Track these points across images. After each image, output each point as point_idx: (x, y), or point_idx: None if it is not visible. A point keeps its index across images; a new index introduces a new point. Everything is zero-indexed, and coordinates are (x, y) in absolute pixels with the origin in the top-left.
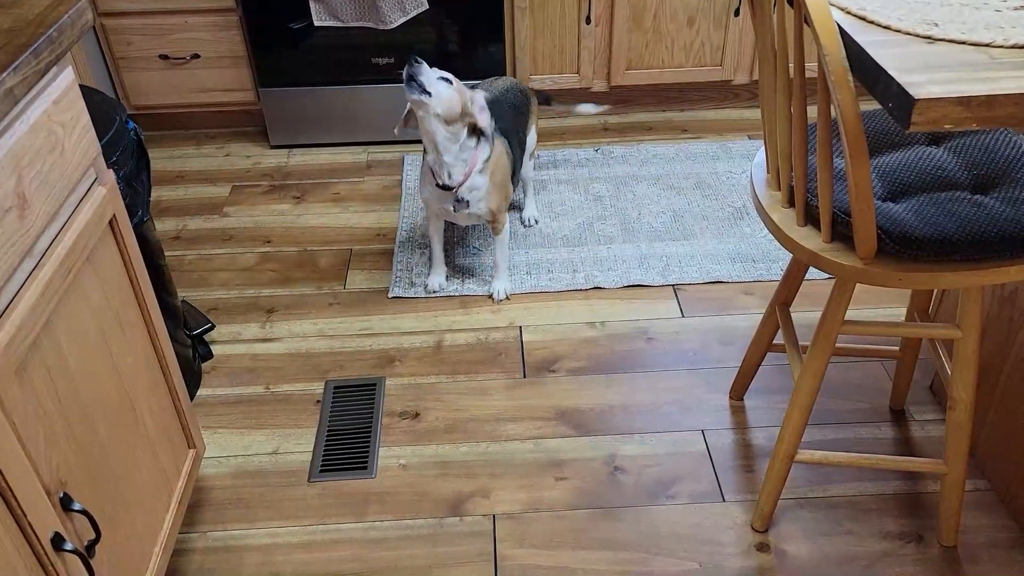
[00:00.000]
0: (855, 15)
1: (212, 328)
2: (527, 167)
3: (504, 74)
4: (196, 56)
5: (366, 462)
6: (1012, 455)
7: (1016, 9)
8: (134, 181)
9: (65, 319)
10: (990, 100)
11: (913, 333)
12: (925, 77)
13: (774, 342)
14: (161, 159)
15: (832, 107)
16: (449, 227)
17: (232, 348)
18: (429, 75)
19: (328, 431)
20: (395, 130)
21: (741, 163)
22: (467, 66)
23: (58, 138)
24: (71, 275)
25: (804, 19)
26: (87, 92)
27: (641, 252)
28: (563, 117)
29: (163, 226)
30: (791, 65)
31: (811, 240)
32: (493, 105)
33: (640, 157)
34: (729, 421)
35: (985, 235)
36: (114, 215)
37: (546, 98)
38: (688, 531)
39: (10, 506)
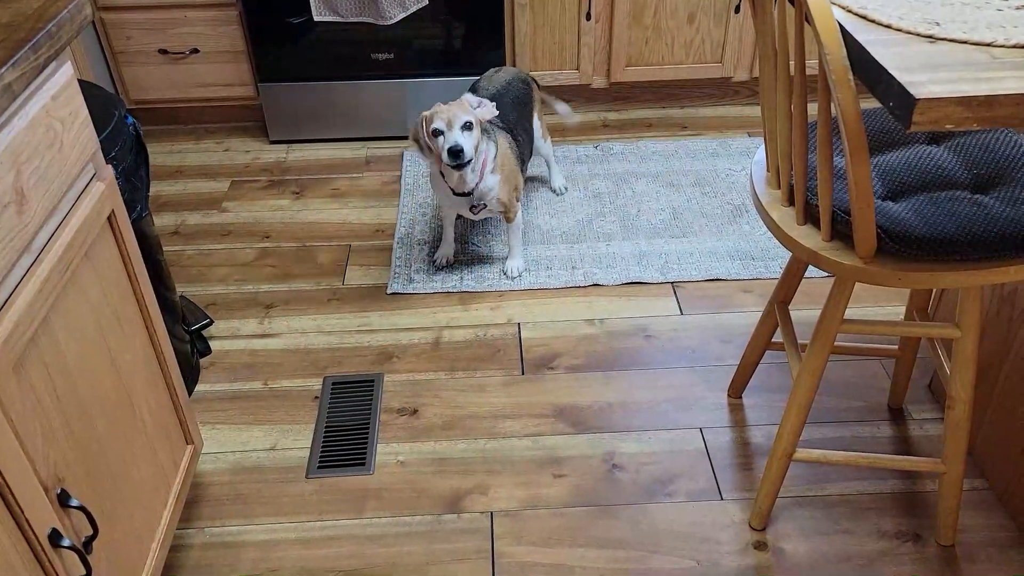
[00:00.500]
0: (856, 14)
1: (210, 324)
2: (545, 145)
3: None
4: (195, 51)
5: (364, 459)
6: (1010, 454)
7: (1018, 8)
8: (133, 176)
9: (63, 315)
10: (991, 100)
11: (912, 332)
12: (926, 77)
13: (773, 340)
14: (160, 154)
15: (832, 106)
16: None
17: (230, 344)
18: (468, 147)
19: (326, 427)
20: (427, 164)
21: (741, 160)
22: (467, 62)
23: (56, 133)
24: (69, 271)
25: (805, 17)
26: (85, 87)
27: (640, 249)
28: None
29: (162, 221)
30: (792, 63)
31: (810, 239)
32: (496, 104)
33: (640, 154)
34: (727, 419)
35: (985, 235)
36: (112, 211)
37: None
38: (686, 529)
39: (7, 503)
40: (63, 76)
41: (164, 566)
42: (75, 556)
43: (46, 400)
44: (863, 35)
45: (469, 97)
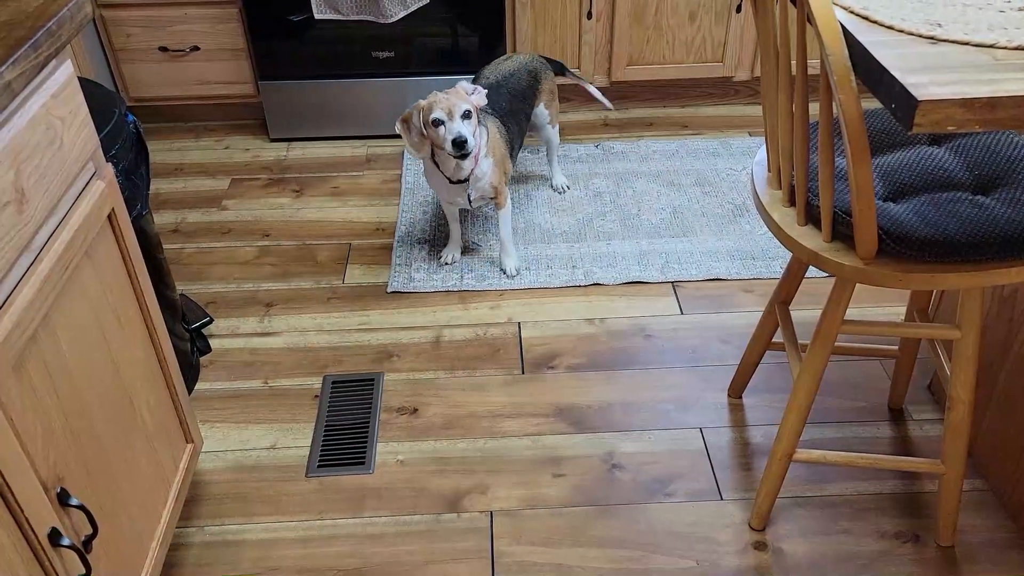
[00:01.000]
0: (858, 15)
1: (210, 322)
2: (552, 131)
3: None
4: (196, 48)
5: (364, 458)
6: (1010, 455)
7: (1020, 10)
8: (133, 174)
9: (63, 314)
10: (993, 102)
11: (912, 333)
12: (928, 78)
13: (773, 340)
14: (160, 151)
15: (834, 106)
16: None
17: (230, 342)
18: (470, 136)
19: (326, 426)
20: (417, 155)
21: (741, 160)
22: (468, 60)
23: (57, 132)
24: (69, 270)
25: (807, 18)
26: (86, 85)
27: (641, 249)
28: (565, 105)
29: (162, 219)
30: (793, 63)
31: (811, 239)
32: (491, 91)
33: (640, 153)
34: (727, 419)
35: (986, 236)
36: (113, 209)
37: (562, 69)
38: (685, 529)
39: (7, 502)
40: (63, 74)
41: (164, 565)
42: (75, 555)
43: (46, 399)
44: (865, 36)
45: (464, 84)
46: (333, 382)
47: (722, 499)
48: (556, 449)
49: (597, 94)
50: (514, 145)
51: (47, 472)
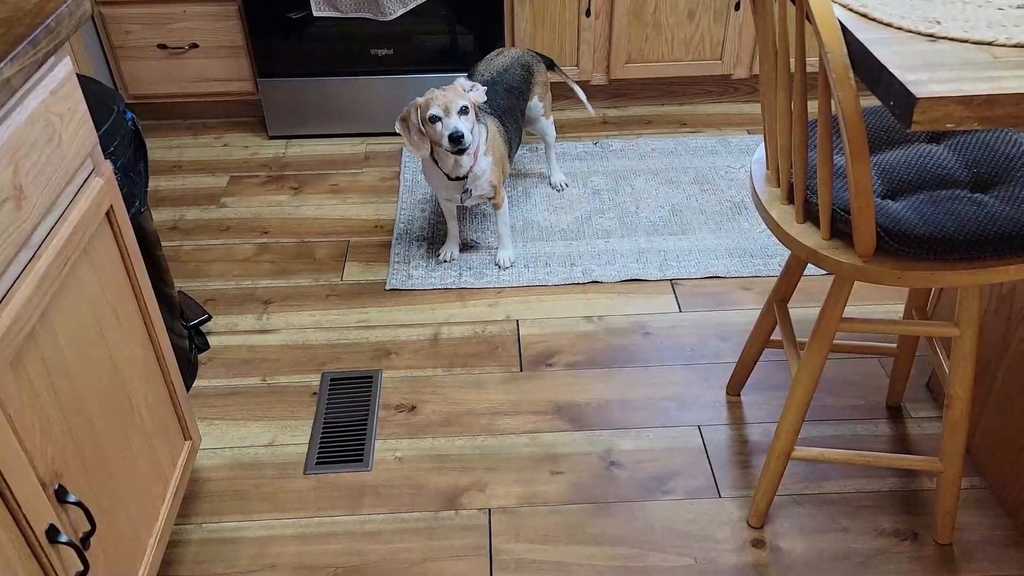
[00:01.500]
0: (857, 12)
1: (209, 319)
2: (547, 124)
3: None
4: (195, 46)
5: (362, 455)
6: (1008, 453)
7: (1019, 7)
8: (131, 171)
9: (61, 311)
10: (992, 99)
11: (911, 331)
12: (927, 76)
13: (772, 338)
14: (159, 149)
15: (833, 104)
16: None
17: (229, 339)
18: (467, 132)
19: (324, 423)
20: (417, 153)
21: (740, 158)
22: (466, 58)
23: (55, 129)
24: (67, 266)
25: (805, 16)
26: (84, 81)
27: (639, 246)
28: (564, 103)
29: (160, 216)
30: (792, 61)
31: (810, 237)
32: (488, 90)
33: (639, 151)
34: (726, 416)
35: (984, 234)
36: (111, 206)
37: (551, 64)
38: (683, 527)
39: (4, 499)
40: (62, 71)
41: (162, 561)
42: (72, 552)
43: (44, 396)
44: (864, 33)
45: (461, 81)
46: (331, 379)
47: (720, 497)
48: (554, 447)
49: (582, 95)
50: (512, 144)
51: (45, 469)
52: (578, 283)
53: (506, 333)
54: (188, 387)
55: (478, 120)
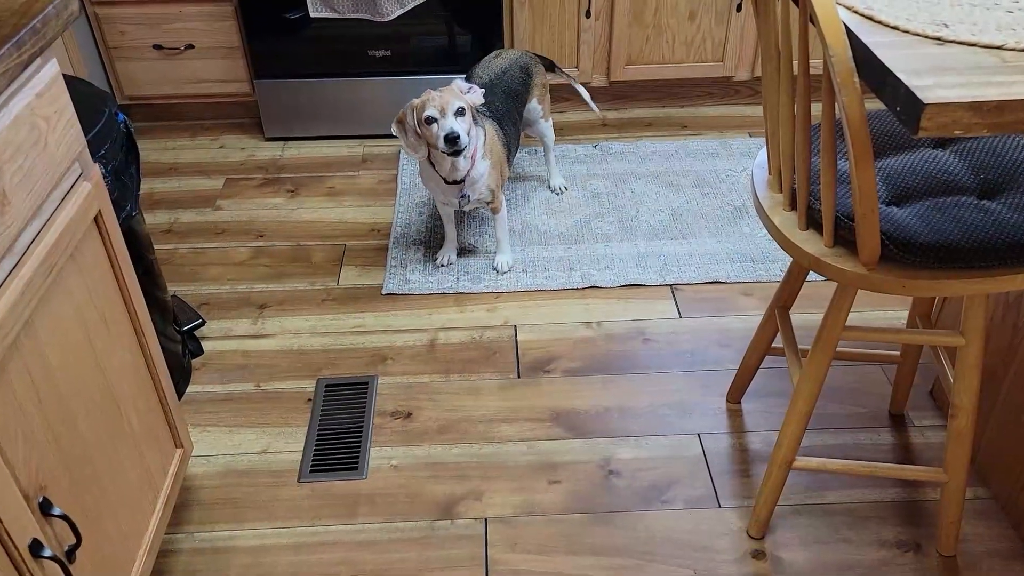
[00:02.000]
0: (862, 14)
1: (203, 324)
2: (546, 126)
3: None
4: (191, 46)
5: (357, 462)
6: (1014, 463)
7: None
8: (123, 175)
9: (47, 318)
10: (1002, 105)
11: (916, 340)
12: (934, 80)
13: (773, 345)
14: (154, 151)
15: (837, 108)
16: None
17: (223, 344)
18: (463, 133)
19: (319, 430)
20: (414, 156)
21: (741, 161)
22: (465, 59)
23: (41, 132)
24: (53, 273)
25: (809, 18)
26: (75, 83)
27: (639, 251)
28: (563, 105)
29: (155, 219)
30: (795, 64)
31: (813, 244)
32: (486, 92)
33: (639, 154)
34: (726, 425)
35: (991, 242)
36: (99, 211)
37: (551, 65)
38: (683, 537)
39: None
40: (48, 73)
41: (152, 572)
42: (57, 567)
43: (28, 406)
44: (869, 36)
45: (459, 83)
46: (326, 385)
47: (720, 506)
48: (552, 455)
49: (586, 96)
50: (511, 147)
51: (28, 481)
52: (577, 288)
53: (504, 339)
54: (181, 393)
55: (476, 123)
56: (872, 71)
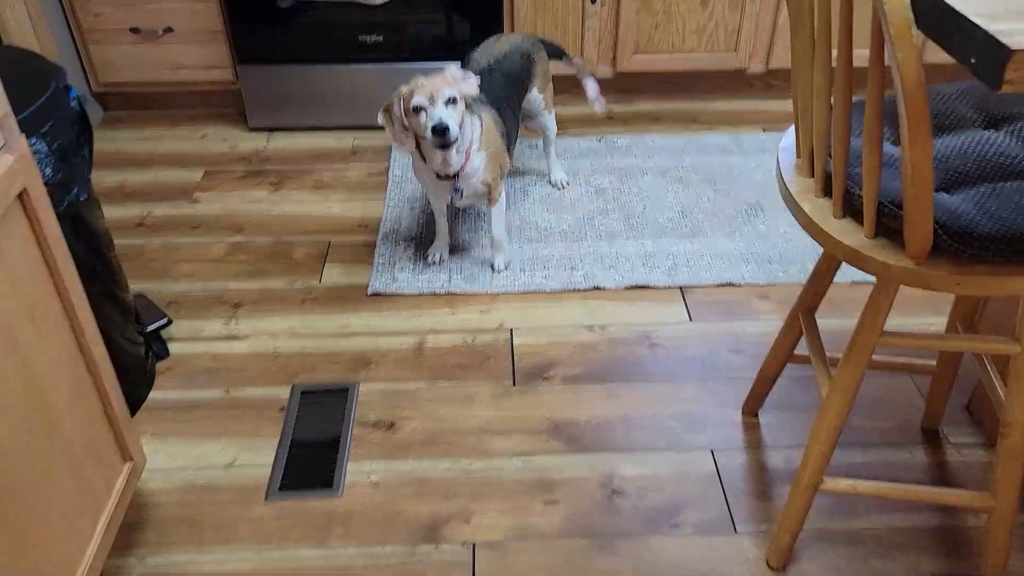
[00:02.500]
0: None
1: (168, 323)
2: (548, 118)
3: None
4: (170, 30)
5: (332, 478)
6: None
7: None
8: (73, 155)
9: None
10: None
11: (964, 347)
12: (1018, 24)
13: (795, 352)
14: (129, 140)
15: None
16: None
17: (191, 347)
18: (453, 124)
19: (292, 441)
20: (402, 149)
21: (755, 157)
22: (462, 46)
23: None
24: None
25: None
26: (18, 53)
27: (646, 250)
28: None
29: (126, 212)
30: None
31: (851, 235)
32: (484, 77)
33: (646, 148)
34: (742, 440)
35: None
36: (25, 188)
37: (559, 52)
38: (694, 566)
39: None
40: None
41: None
42: None
43: None
44: None
45: (453, 69)
46: (302, 392)
47: (736, 532)
48: (549, 471)
49: (592, 92)
50: (511, 137)
51: None
52: (579, 289)
53: (499, 343)
54: (142, 399)
55: (471, 112)
56: (935, 19)
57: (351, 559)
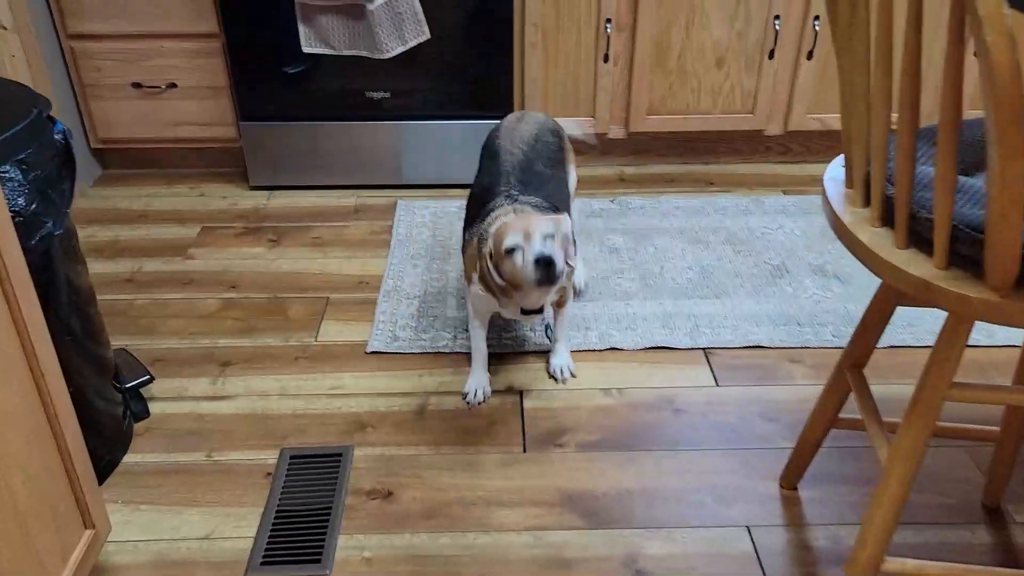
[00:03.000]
0: None
1: (150, 381)
2: (571, 210)
3: (511, 110)
4: (173, 85)
5: (320, 553)
6: None
7: None
8: (51, 189)
9: None
10: None
11: None
12: None
13: (840, 415)
14: (125, 198)
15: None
16: (440, 276)
17: (174, 406)
18: (559, 259)
19: (277, 511)
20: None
21: (777, 219)
22: (472, 104)
23: None
24: None
25: None
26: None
27: (665, 310)
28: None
29: (116, 267)
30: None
31: (919, 266)
32: (528, 171)
33: (661, 209)
34: (780, 515)
35: None
36: None
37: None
38: None
39: None
40: None
41: None
42: None
43: None
44: None
45: (570, 231)
46: (291, 457)
47: None
48: (564, 548)
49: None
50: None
51: None
52: (594, 349)
53: (507, 406)
54: (117, 461)
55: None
56: None
57: None
